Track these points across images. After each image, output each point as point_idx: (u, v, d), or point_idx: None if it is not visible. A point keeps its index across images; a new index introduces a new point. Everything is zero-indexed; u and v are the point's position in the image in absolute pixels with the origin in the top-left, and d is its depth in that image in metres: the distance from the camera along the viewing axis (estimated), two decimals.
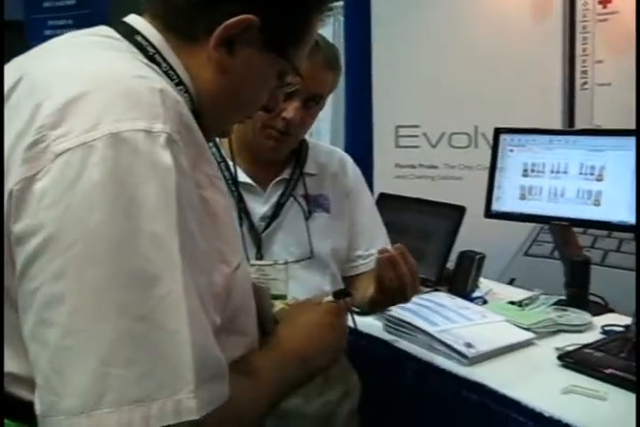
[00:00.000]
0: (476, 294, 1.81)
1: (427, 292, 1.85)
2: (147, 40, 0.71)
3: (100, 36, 0.71)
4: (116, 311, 0.55)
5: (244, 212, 1.27)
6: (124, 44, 0.70)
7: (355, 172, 1.42)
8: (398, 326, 1.58)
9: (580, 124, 2.53)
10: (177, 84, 0.71)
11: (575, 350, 1.40)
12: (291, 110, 1.21)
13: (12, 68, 0.68)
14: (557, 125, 2.60)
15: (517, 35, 2.67)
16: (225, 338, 0.69)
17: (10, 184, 0.58)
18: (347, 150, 3.14)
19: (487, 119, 2.83)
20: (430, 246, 2.00)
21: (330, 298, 0.92)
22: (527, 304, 1.76)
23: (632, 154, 1.64)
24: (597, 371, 1.30)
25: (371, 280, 1.36)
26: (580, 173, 1.75)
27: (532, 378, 1.34)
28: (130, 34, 0.71)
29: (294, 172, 1.33)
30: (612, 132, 1.74)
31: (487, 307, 1.71)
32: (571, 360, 1.35)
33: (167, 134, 0.59)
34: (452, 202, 2.06)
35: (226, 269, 0.67)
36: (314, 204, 1.32)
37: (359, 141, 3.17)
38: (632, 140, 1.65)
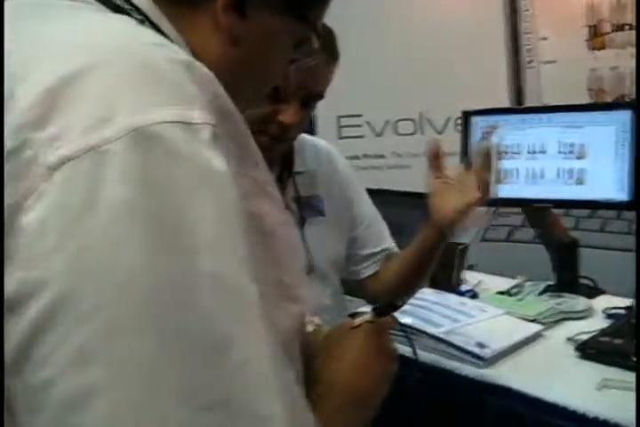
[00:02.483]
0: (464, 287, 1.71)
1: None
2: (130, 2, 0.52)
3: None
4: (175, 402, 0.36)
5: None
6: (100, 8, 0.51)
7: (344, 163, 1.28)
8: (395, 330, 1.45)
9: (528, 103, 2.48)
10: None
11: (591, 340, 1.32)
12: (289, 114, 1.01)
13: None
14: (506, 106, 2.54)
15: (458, 15, 2.59)
16: None
17: None
18: None
19: (432, 104, 2.77)
20: (404, 240, 1.89)
21: (367, 317, 0.77)
22: (516, 293, 1.69)
23: (611, 129, 1.58)
24: (625, 360, 1.21)
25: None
26: (559, 152, 1.67)
27: (556, 374, 1.25)
28: None
29: (282, 171, 1.16)
30: (589, 107, 1.67)
31: (480, 300, 1.61)
32: (592, 351, 1.27)
33: (211, 126, 0.41)
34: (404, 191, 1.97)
35: (294, 308, 0.50)
36: (307, 207, 1.16)
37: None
38: (609, 115, 1.60)
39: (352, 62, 2.79)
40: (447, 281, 1.73)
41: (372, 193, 2.07)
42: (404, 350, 1.39)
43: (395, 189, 2.51)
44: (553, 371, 1.26)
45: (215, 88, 0.45)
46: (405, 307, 1.52)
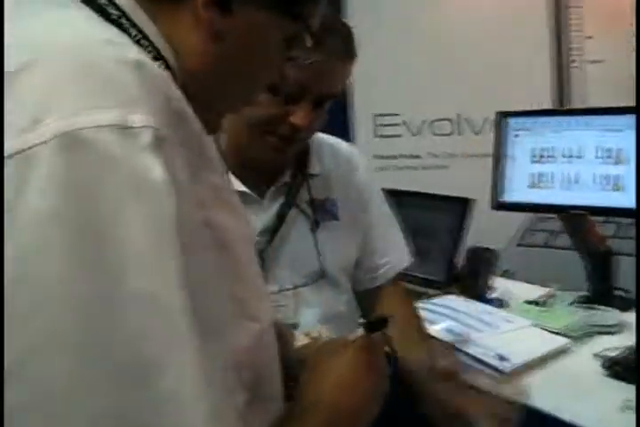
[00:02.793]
0: (491, 295, 1.65)
1: (437, 295, 1.69)
2: None
3: None
4: None
5: None
6: (74, 5, 0.48)
7: (364, 166, 1.22)
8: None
9: (574, 105, 2.39)
10: (154, 59, 0.50)
11: (619, 356, 1.25)
12: (300, 115, 0.96)
13: None
14: (548, 107, 2.45)
15: (499, 12, 2.51)
16: (248, 406, 0.51)
17: None
18: None
19: (470, 104, 2.70)
20: (435, 244, 1.84)
21: (361, 331, 0.73)
22: (544, 303, 1.62)
23: None
24: None
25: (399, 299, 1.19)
26: (597, 157, 1.60)
27: (579, 392, 1.18)
28: None
29: (296, 174, 1.12)
30: (626, 109, 1.58)
31: (508, 310, 1.55)
32: (619, 369, 1.20)
33: (153, 130, 0.38)
34: (439, 192, 1.91)
35: (252, 326, 0.47)
36: (321, 211, 1.12)
37: (337, 133, 2.99)
38: None
39: (392, 61, 2.75)
40: (474, 288, 1.67)
41: (404, 195, 2.03)
42: None
43: (430, 190, 2.46)
44: (575, 388, 1.19)
45: (168, 90, 0.43)
46: (428, 314, 1.47)
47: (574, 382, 1.21)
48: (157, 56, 0.50)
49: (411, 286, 1.79)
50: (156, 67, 0.43)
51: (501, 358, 1.25)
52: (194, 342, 0.37)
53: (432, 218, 1.87)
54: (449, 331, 1.37)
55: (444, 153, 2.84)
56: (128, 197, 0.36)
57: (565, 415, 1.08)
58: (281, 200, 1.09)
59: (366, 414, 0.67)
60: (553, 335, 1.37)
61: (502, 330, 1.38)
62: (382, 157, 2.98)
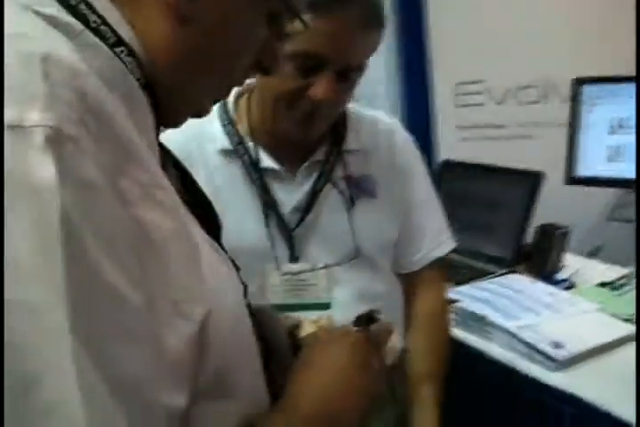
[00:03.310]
0: (560, 275, 1.55)
1: (501, 274, 1.61)
2: None
3: None
4: None
5: (270, 205, 1.02)
6: None
7: (406, 142, 1.14)
8: (470, 320, 1.35)
9: None
10: (114, 45, 0.47)
11: None
12: (320, 89, 0.90)
13: None
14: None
15: None
16: (206, 406, 0.49)
17: None
18: (403, 114, 2.86)
19: (559, 70, 2.52)
20: (503, 219, 1.74)
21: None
22: (621, 286, 1.50)
23: None
24: None
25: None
26: None
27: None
28: None
29: (331, 150, 1.06)
30: None
31: (575, 292, 1.45)
32: None
33: (49, 128, 0.36)
34: (525, 164, 1.80)
35: (184, 326, 0.45)
36: (357, 188, 1.06)
37: (417, 103, 2.89)
38: None
39: (473, 24, 2.61)
40: (542, 267, 1.58)
41: (472, 167, 1.94)
42: (474, 341, 1.29)
43: (513, 161, 2.34)
44: (634, 382, 1.10)
45: (82, 84, 0.40)
46: (485, 294, 1.41)
47: (634, 374, 1.12)
48: (118, 42, 0.48)
49: (475, 263, 1.72)
50: (73, 60, 0.40)
51: (557, 345, 1.17)
52: (77, 354, 0.35)
53: (501, 192, 1.77)
54: (505, 313, 1.29)
55: (530, 122, 2.68)
56: (13, 201, 0.35)
57: (622, 414, 1.00)
58: (314, 177, 1.04)
59: (356, 411, 0.63)
60: (620, 322, 1.27)
61: (563, 314, 1.29)
62: (464, 128, 2.86)
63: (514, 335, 1.23)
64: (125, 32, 0.49)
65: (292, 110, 0.94)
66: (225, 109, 1.04)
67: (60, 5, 0.46)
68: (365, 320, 0.66)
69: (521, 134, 2.74)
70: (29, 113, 0.36)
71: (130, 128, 0.44)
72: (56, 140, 0.37)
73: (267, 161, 1.03)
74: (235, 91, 1.05)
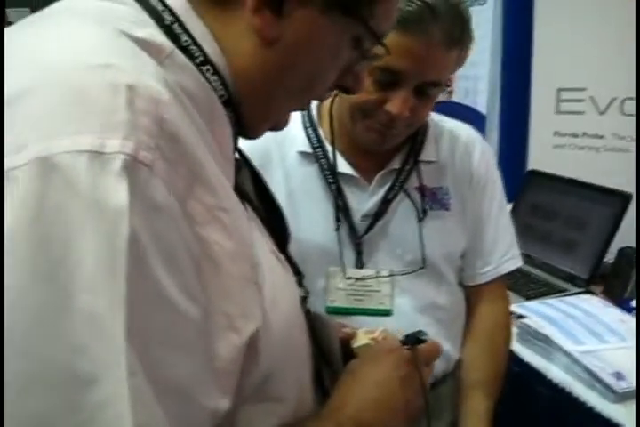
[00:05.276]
0: (635, 302, 1.50)
1: (575, 293, 1.57)
2: (164, 4, 0.51)
3: (106, 0, 0.50)
4: None
5: (342, 209, 1.04)
6: (131, 10, 0.50)
7: (484, 155, 1.13)
8: (533, 337, 1.33)
9: None
10: (201, 64, 0.51)
11: None
12: (396, 104, 0.91)
13: None
14: None
15: None
16: (251, 407, 0.53)
17: None
18: (501, 116, 2.82)
19: None
20: (584, 237, 1.70)
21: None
22: None
23: None
24: None
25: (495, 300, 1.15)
26: None
27: None
28: None
29: (407, 160, 1.07)
30: None
31: None
32: None
33: (127, 157, 0.39)
34: (617, 178, 1.74)
35: (236, 338, 0.48)
36: (430, 199, 1.07)
37: (515, 106, 2.84)
38: None
39: (580, 29, 2.52)
40: (617, 291, 1.53)
41: (561, 181, 1.89)
42: (534, 359, 1.28)
43: (607, 174, 2.26)
44: None
45: (163, 112, 0.43)
46: (553, 313, 1.38)
47: None
48: (204, 61, 0.51)
49: (548, 278, 1.68)
50: (153, 89, 0.43)
51: (619, 375, 1.15)
52: (130, 360, 0.39)
53: (586, 209, 1.73)
54: (570, 336, 1.27)
55: (630, 136, 2.58)
56: (85, 223, 0.38)
57: None
58: (388, 185, 1.06)
59: (391, 424, 0.65)
60: None
61: (629, 344, 1.25)
62: (562, 135, 2.78)
63: (575, 360, 1.21)
64: (212, 49, 0.52)
65: (369, 119, 0.96)
66: (308, 112, 1.07)
67: (156, 24, 0.50)
68: (413, 340, 0.69)
69: (618, 147, 2.64)
70: (111, 140, 0.39)
71: (203, 151, 0.47)
72: (132, 167, 0.40)
73: (344, 166, 1.05)
74: None
